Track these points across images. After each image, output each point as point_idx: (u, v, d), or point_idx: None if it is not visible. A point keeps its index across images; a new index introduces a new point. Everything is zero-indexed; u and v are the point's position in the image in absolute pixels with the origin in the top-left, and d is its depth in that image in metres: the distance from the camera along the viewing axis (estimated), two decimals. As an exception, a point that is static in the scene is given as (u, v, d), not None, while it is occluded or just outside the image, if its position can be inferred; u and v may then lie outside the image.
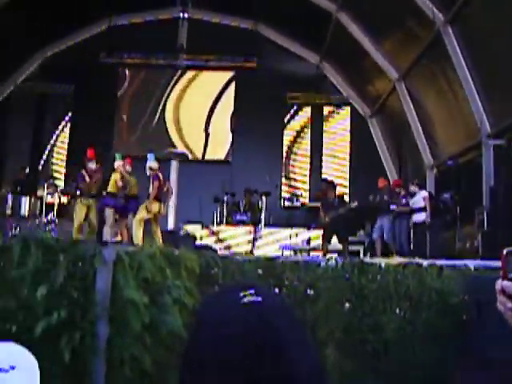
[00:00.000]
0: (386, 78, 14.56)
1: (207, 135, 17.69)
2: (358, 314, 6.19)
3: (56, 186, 15.57)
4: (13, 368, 1.60)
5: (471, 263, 6.63)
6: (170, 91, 18.03)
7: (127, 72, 18.17)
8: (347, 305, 6.27)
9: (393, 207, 11.86)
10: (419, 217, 11.67)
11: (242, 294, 0.98)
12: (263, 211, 14.31)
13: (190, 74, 18.02)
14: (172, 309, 4.16)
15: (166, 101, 17.98)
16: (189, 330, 0.91)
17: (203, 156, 17.54)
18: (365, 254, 12.54)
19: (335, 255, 9.73)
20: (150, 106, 17.95)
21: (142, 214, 10.69)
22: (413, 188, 12.04)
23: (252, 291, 0.98)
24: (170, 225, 16.34)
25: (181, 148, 17.67)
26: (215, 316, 0.97)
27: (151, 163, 11.26)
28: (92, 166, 11.38)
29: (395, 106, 14.84)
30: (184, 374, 0.97)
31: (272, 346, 0.91)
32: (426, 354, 5.88)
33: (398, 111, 14.62)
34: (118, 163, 11.54)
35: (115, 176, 11.26)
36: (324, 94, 17.55)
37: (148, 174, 11.11)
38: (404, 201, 11.91)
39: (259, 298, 0.97)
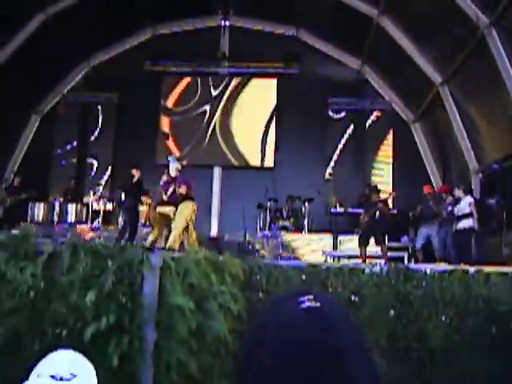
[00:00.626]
0: (429, 82, 14.40)
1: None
2: (403, 321, 6.13)
3: (101, 193, 15.86)
4: (74, 376, 1.67)
5: (519, 270, 6.51)
6: (215, 100, 18.12)
7: (171, 81, 18.34)
8: (392, 311, 6.22)
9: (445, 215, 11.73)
10: (465, 223, 11.47)
11: (300, 300, 1.00)
12: (306, 217, 14.29)
13: (234, 82, 18.08)
14: (218, 314, 4.20)
15: (212, 110, 18.07)
16: (248, 336, 0.92)
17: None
18: (409, 261, 12.39)
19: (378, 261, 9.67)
20: (194, 115, 18.08)
21: (186, 215, 10.55)
22: (458, 192, 11.84)
23: (310, 297, 1.00)
24: (214, 231, 16.49)
25: (232, 156, 17.69)
26: (275, 322, 0.99)
27: (177, 164, 11.36)
28: (164, 177, 11.40)
29: (439, 111, 14.66)
30: (243, 379, 0.99)
31: (333, 350, 0.93)
32: (473, 362, 5.79)
33: (442, 116, 14.43)
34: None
35: None
36: (366, 99, 17.44)
37: (174, 175, 11.13)
38: (449, 208, 11.73)
39: (318, 304, 0.99)
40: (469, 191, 12.09)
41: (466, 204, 11.49)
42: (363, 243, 12.02)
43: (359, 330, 1.01)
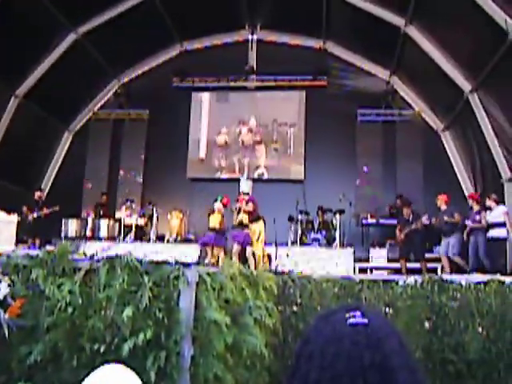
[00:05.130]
0: (458, 90, 14.28)
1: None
2: (439, 333, 6.06)
3: (133, 208, 16.00)
4: None
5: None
6: (244, 114, 18.21)
7: (200, 96, 18.50)
8: (427, 324, 6.16)
9: (468, 223, 11.62)
10: (497, 232, 11.32)
11: (347, 315, 1.01)
12: (338, 229, 14.22)
13: (262, 95, 18.17)
14: (253, 329, 4.21)
15: (241, 124, 18.15)
16: (296, 349, 0.95)
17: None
18: (442, 271, 12.28)
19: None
20: (223, 129, 18.19)
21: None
22: (489, 203, 11.71)
23: (358, 313, 1.02)
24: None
25: (261, 168, 17.79)
26: (322, 336, 1.00)
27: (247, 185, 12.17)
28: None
29: (469, 119, 14.52)
30: None
31: (378, 368, 0.93)
32: (513, 374, 5.69)
33: (472, 124, 14.29)
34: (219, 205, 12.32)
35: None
36: (395, 109, 17.36)
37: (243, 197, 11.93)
38: (477, 217, 11.60)
39: (365, 320, 1.00)
40: (501, 201, 11.93)
41: (499, 213, 11.35)
42: (402, 258, 12.10)
43: (406, 348, 1.02)
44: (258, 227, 11.59)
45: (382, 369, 0.93)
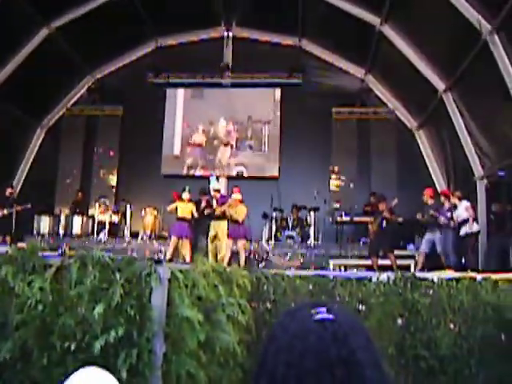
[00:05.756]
0: (432, 89, 14.40)
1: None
2: (411, 329, 6.10)
3: (107, 205, 15.86)
4: None
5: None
6: (218, 111, 18.17)
7: (174, 92, 18.42)
8: (400, 320, 6.19)
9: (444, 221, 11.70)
10: (467, 228, 11.45)
11: (313, 312, 1.00)
12: (312, 226, 14.26)
13: (237, 93, 18.13)
14: (226, 326, 4.19)
15: (215, 121, 18.12)
16: (262, 345, 0.95)
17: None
18: (415, 269, 12.36)
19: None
20: (198, 125, 18.13)
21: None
22: (453, 200, 11.84)
23: (323, 309, 1.01)
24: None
25: (236, 166, 17.76)
26: (288, 332, 1.00)
27: (216, 185, 12.32)
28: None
29: (442, 118, 14.65)
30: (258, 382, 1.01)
31: (344, 363, 0.93)
32: (483, 370, 5.75)
33: (446, 123, 14.42)
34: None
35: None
36: (370, 108, 17.46)
37: (212, 195, 12.18)
38: (449, 214, 11.71)
39: (331, 316, 0.99)
40: (464, 197, 12.05)
41: (462, 209, 11.50)
42: (373, 253, 12.07)
43: (372, 344, 1.01)
44: (220, 226, 11.88)
45: (349, 364, 0.93)
